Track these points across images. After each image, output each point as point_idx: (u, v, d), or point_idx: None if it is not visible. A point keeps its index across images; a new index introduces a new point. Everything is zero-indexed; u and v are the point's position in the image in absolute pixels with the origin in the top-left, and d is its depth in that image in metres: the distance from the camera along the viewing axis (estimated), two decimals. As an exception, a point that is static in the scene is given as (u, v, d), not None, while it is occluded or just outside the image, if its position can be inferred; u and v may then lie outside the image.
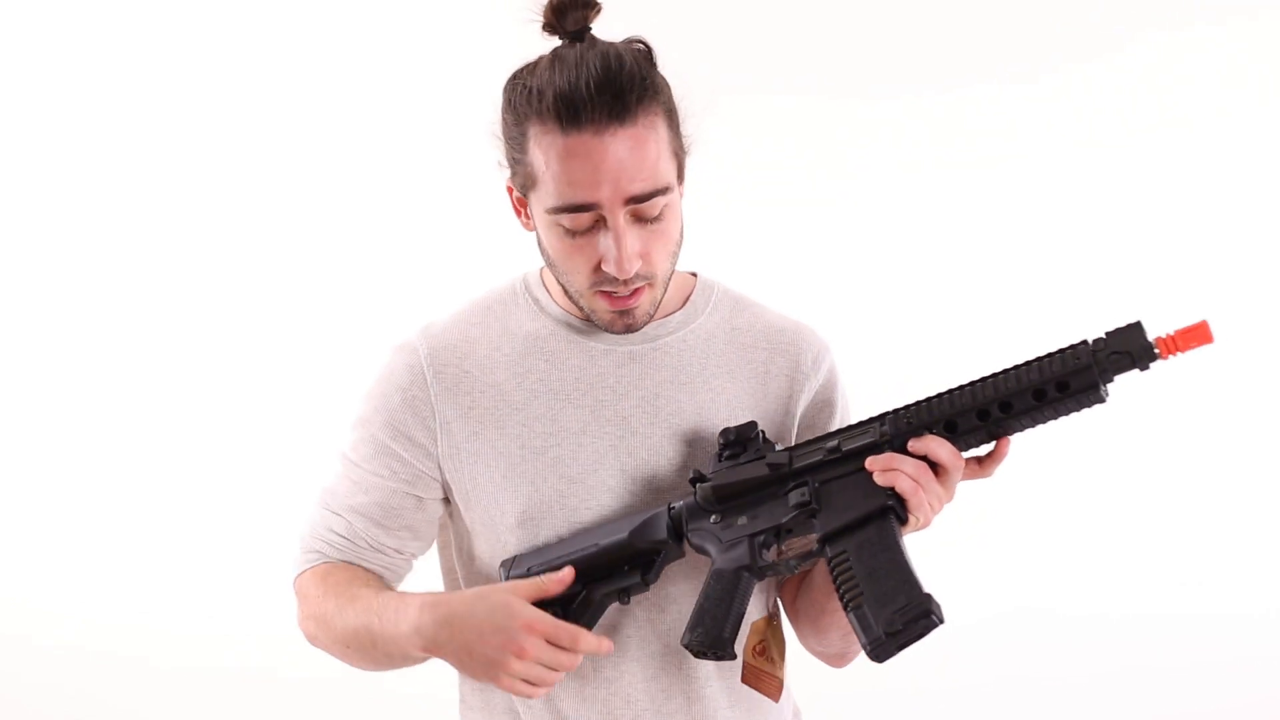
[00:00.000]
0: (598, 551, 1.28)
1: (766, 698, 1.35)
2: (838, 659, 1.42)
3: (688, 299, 1.41)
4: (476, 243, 3.07)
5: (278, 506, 3.09)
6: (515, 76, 1.28)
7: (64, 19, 3.25)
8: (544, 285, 1.41)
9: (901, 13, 3.18)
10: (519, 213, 1.35)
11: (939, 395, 1.22)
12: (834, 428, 1.40)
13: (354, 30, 3.26)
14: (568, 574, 1.26)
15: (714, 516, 1.27)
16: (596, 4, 1.27)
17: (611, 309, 1.29)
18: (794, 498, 1.25)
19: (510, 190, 1.34)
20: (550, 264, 1.32)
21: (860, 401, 1.44)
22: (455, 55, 3.22)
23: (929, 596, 1.17)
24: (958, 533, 2.97)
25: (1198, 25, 3.13)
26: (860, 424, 1.25)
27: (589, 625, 1.28)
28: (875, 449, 1.22)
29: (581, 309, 1.33)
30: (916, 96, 3.20)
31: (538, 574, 1.28)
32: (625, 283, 1.26)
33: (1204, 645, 3.08)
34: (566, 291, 1.33)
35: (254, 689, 3.15)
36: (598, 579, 1.28)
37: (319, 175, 3.25)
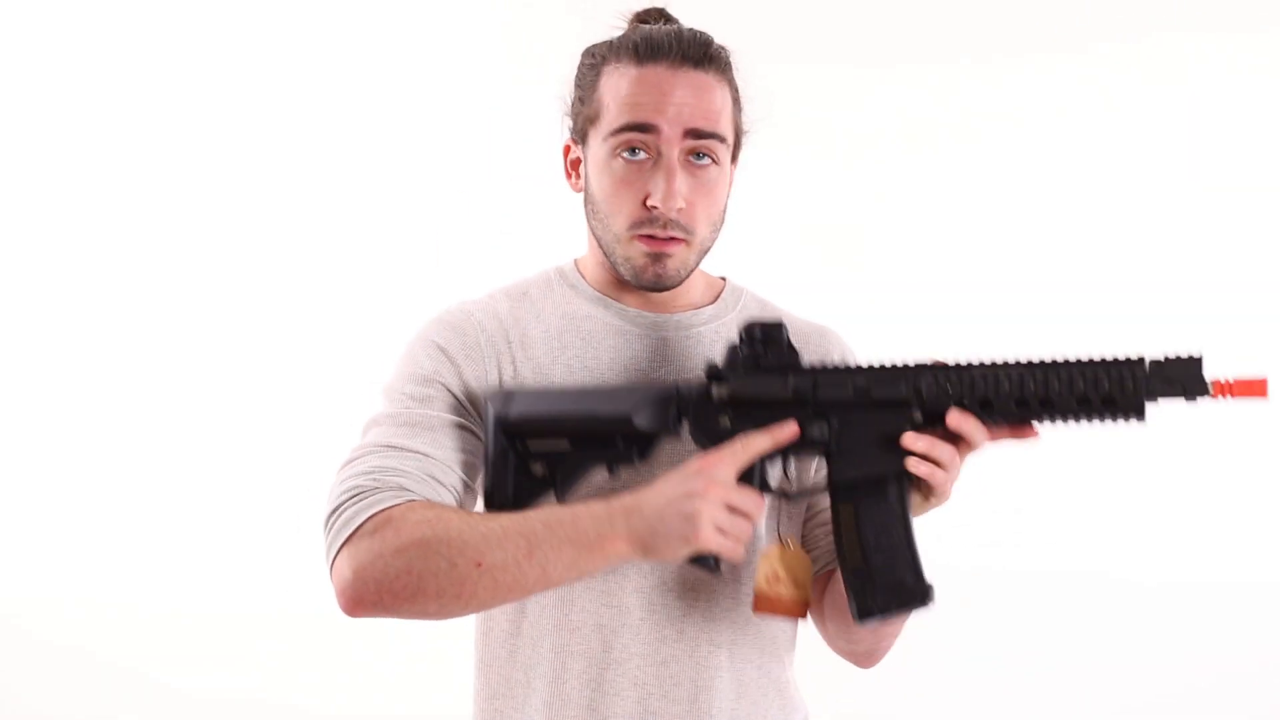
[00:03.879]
0: (596, 421, 1.27)
1: (791, 619, 1.35)
2: (865, 658, 1.44)
3: (719, 296, 1.46)
4: (483, 246, 3.09)
5: (279, 501, 3.11)
6: (591, 47, 1.38)
7: (67, 22, 3.24)
8: (579, 272, 1.44)
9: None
10: (570, 174, 1.41)
11: (981, 366, 1.21)
12: None
13: (362, 33, 3.27)
14: (793, 428, 1.23)
15: (725, 420, 1.25)
16: (675, 20, 1.40)
17: (648, 250, 1.31)
18: (814, 432, 1.24)
19: (567, 151, 1.41)
20: (595, 210, 1.35)
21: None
22: (457, 61, 3.23)
23: (930, 587, 1.22)
24: (963, 531, 3.00)
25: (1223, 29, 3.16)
26: (894, 369, 1.24)
27: (570, 486, 1.27)
28: (905, 406, 1.21)
29: (615, 264, 1.35)
30: (930, 71, 3.20)
31: (533, 419, 1.27)
32: (665, 225, 1.30)
33: (1215, 614, 3.09)
34: (602, 246, 1.36)
35: (252, 683, 3.16)
36: (590, 445, 1.27)
37: (324, 177, 3.25)
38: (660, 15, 1.40)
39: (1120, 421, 1.17)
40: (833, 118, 3.20)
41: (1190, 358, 1.16)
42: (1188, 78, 3.18)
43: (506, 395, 1.28)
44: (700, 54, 1.31)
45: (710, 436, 1.25)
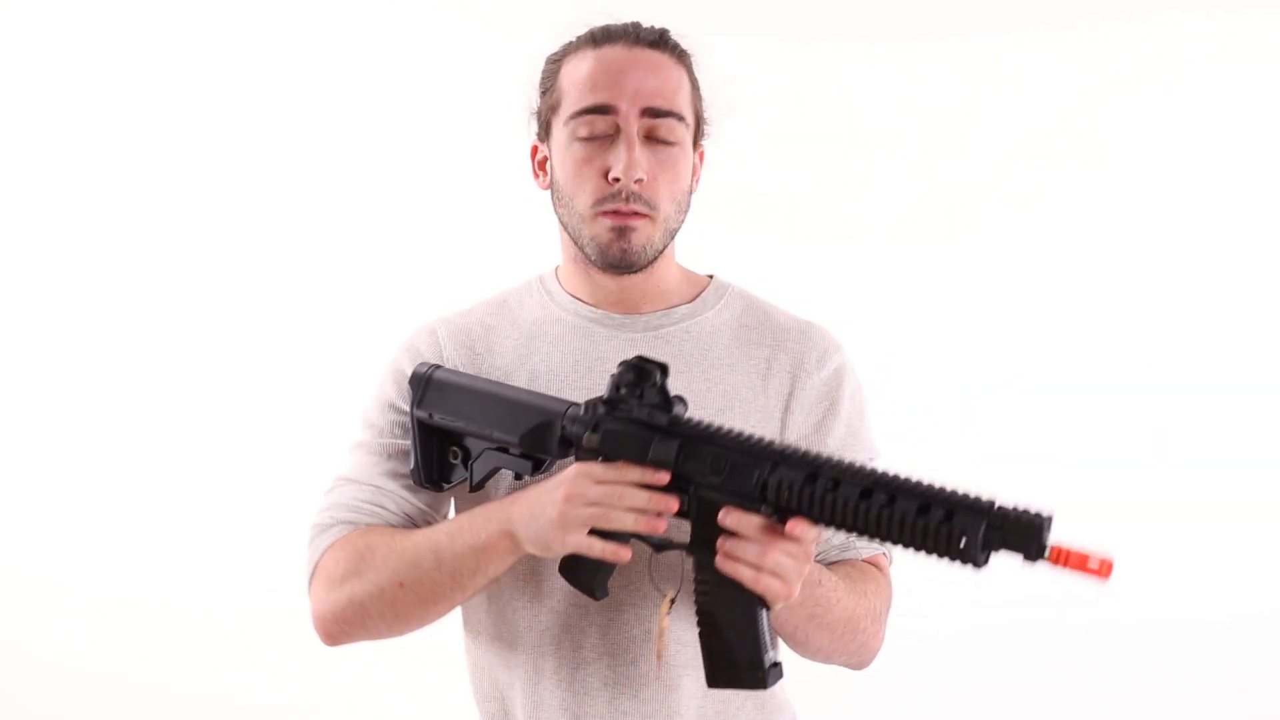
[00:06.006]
0: (491, 436, 1.32)
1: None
2: (855, 667, 1.41)
3: (699, 295, 1.45)
4: (483, 248, 3.09)
5: (278, 509, 3.11)
6: (555, 50, 1.42)
7: (68, 25, 3.25)
8: (556, 278, 1.47)
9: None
10: (537, 174, 1.44)
11: (829, 487, 1.14)
12: (835, 431, 1.40)
13: (363, 35, 3.26)
14: (664, 476, 1.19)
15: (601, 458, 1.23)
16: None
17: (612, 224, 1.33)
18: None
19: (534, 152, 1.44)
20: (560, 196, 1.38)
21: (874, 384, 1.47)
22: (457, 65, 3.23)
23: (773, 668, 1.22)
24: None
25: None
26: (757, 453, 1.18)
27: (481, 481, 1.34)
28: (749, 497, 1.17)
29: (583, 247, 1.37)
30: (916, 45, 3.19)
31: (443, 421, 1.33)
32: (628, 198, 1.32)
33: (1206, 651, 3.10)
34: (570, 232, 1.38)
35: (252, 685, 3.17)
36: (496, 452, 1.33)
37: (325, 178, 3.25)
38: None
39: (957, 566, 1.10)
40: (814, 101, 3.19)
41: (1035, 518, 1.07)
42: (1166, 55, 3.16)
43: (427, 380, 1.35)
44: (656, 37, 1.36)
45: None
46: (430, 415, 1.34)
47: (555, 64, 1.39)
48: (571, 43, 1.39)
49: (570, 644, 1.35)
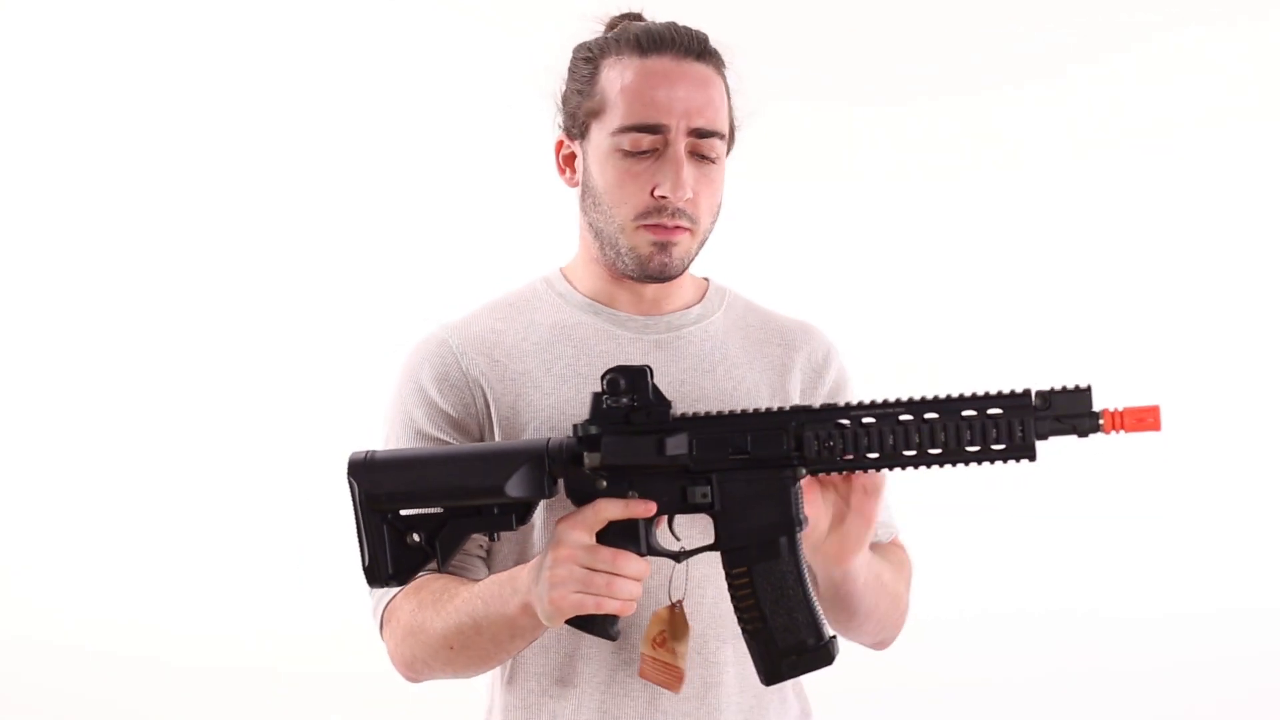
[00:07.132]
0: (467, 492, 1.22)
1: (668, 690, 1.30)
2: (876, 646, 1.45)
3: (703, 297, 1.46)
4: (485, 249, 3.09)
5: (280, 507, 3.12)
6: (584, 43, 1.39)
7: (72, 27, 3.24)
8: (566, 280, 1.44)
9: (907, 18, 3.20)
10: (563, 170, 1.42)
11: (867, 410, 1.16)
12: None
13: (364, 35, 3.27)
14: (649, 507, 1.20)
15: (601, 482, 1.20)
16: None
17: (655, 239, 1.33)
18: (695, 496, 1.20)
19: (559, 147, 1.41)
20: (596, 203, 1.36)
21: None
22: (457, 65, 3.23)
23: (832, 642, 1.21)
24: (974, 533, 3.03)
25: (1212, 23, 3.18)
26: (776, 419, 1.19)
27: (451, 551, 1.24)
28: (787, 462, 1.18)
29: (617, 256, 1.36)
30: (917, 101, 3.23)
31: (401, 493, 1.23)
32: (673, 214, 1.32)
33: (1211, 645, 3.12)
34: (602, 239, 1.36)
35: (256, 689, 3.17)
36: (465, 512, 1.24)
37: (323, 178, 3.26)
38: (638, 18, 1.41)
39: (1011, 462, 1.14)
40: (828, 141, 3.23)
41: (1078, 390, 1.11)
42: (1171, 79, 3.21)
43: (369, 466, 1.23)
44: (701, 47, 1.35)
45: (584, 499, 1.21)
46: (385, 491, 1.22)
47: (591, 60, 1.36)
48: (610, 39, 1.36)
49: (608, 643, 1.33)
